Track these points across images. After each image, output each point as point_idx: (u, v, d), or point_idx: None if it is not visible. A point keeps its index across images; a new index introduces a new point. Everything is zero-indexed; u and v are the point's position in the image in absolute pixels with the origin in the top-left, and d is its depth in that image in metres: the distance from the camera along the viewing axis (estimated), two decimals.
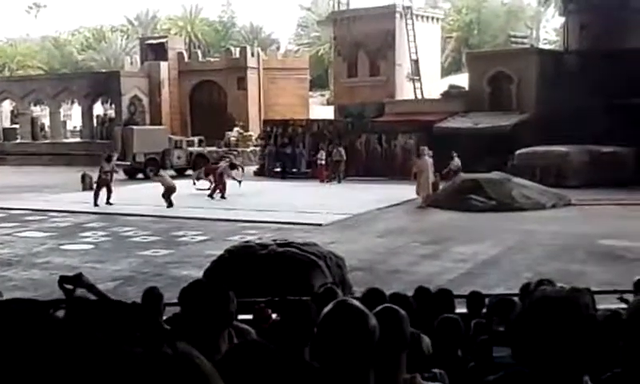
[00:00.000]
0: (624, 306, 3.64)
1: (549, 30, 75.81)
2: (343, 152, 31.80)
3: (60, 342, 1.00)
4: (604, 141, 27.23)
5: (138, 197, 26.12)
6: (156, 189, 24.21)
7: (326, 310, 2.36)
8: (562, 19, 42.21)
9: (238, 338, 3.29)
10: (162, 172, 25.59)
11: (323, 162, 32.08)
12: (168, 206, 22.66)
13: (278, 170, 34.84)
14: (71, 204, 24.12)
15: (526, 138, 28.96)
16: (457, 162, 26.80)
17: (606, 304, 5.18)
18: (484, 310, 5.75)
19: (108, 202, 23.87)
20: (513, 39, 50.32)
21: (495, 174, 23.33)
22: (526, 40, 51.20)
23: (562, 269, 12.67)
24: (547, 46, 58.88)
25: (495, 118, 31.80)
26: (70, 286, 2.97)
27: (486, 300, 5.93)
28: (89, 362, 0.97)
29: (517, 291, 5.59)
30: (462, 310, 5.90)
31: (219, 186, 24.94)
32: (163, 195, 23.10)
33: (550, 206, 21.84)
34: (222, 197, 24.78)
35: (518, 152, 28.05)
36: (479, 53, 43.46)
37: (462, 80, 40.07)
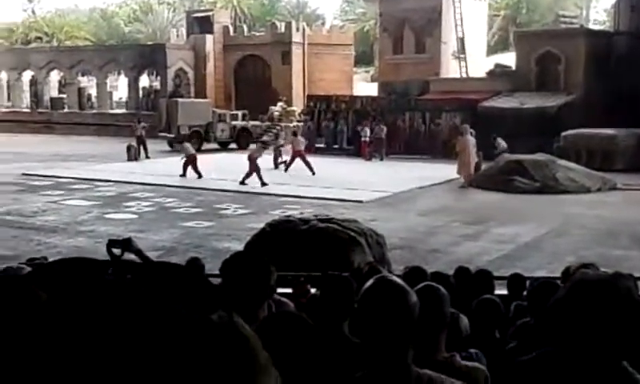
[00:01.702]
0: None
1: (599, 10, 74.27)
2: (385, 129, 31.66)
3: (125, 304, 1.04)
4: None
5: (181, 169, 26.35)
6: (200, 161, 24.42)
7: (366, 285, 2.37)
8: (613, 0, 41.29)
9: (277, 310, 3.34)
10: (185, 144, 26.22)
11: (367, 139, 31.98)
12: (198, 177, 23.38)
13: (321, 145, 34.83)
14: (116, 174, 24.47)
15: (572, 119, 28.54)
16: (503, 144, 26.42)
17: None
18: (525, 293, 5.72)
19: (147, 157, 28.39)
20: (562, 19, 49.34)
21: (540, 156, 23.05)
22: (575, 20, 50.17)
23: (605, 254, 12.51)
24: (597, 27, 57.67)
25: (542, 99, 31.35)
26: (118, 251, 3.02)
27: (527, 282, 5.89)
28: (148, 325, 1.00)
29: (559, 275, 5.54)
30: (501, 291, 5.88)
31: (254, 172, 24.12)
32: (184, 164, 23.89)
33: (596, 189, 21.53)
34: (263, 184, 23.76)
35: (564, 134, 27.65)
36: (527, 31, 42.72)
37: (509, 59, 39.50)
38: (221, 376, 1.01)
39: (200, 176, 23.60)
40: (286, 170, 25.28)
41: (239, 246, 10.57)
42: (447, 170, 24.02)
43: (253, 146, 26.31)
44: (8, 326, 1.11)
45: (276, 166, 26.66)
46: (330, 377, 2.36)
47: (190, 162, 23.93)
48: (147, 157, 30.26)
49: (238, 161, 28.40)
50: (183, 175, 23.79)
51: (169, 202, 18.78)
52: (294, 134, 27.31)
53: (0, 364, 1.04)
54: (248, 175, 21.93)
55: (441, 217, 17.04)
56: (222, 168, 26.77)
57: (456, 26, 41.28)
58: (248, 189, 21.09)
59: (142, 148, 31.09)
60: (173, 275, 1.22)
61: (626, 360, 2.05)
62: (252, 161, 22.38)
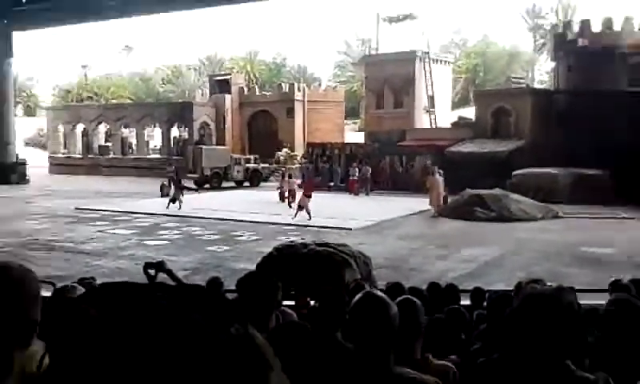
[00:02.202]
0: (601, 302, 3.60)
1: (542, 72, 74.90)
2: (370, 170, 31.70)
3: (166, 324, 1.03)
4: (586, 164, 26.85)
5: (205, 203, 26.36)
6: (219, 197, 24.40)
7: (355, 299, 2.37)
8: (553, 64, 41.68)
9: (283, 319, 3.32)
10: (183, 181, 26.14)
11: (355, 178, 31.99)
12: (176, 206, 23.37)
13: (318, 184, 34.88)
14: (152, 207, 24.44)
15: (522, 161, 28.67)
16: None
17: (585, 301, 5.09)
18: (485, 303, 5.69)
19: (183, 193, 24.98)
20: (512, 79, 49.80)
21: (496, 191, 23.07)
22: (523, 80, 50.61)
23: (551, 270, 12.48)
24: (541, 86, 58.15)
25: (496, 144, 31.47)
26: (152, 272, 3.02)
27: (487, 294, 5.87)
28: (184, 340, 0.99)
29: (513, 288, 5.52)
30: (466, 302, 5.85)
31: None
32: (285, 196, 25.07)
33: (541, 217, 21.52)
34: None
35: (515, 173, 27.71)
36: (484, 91, 42.99)
37: (470, 112, 39.77)
38: (240, 382, 1.01)
39: (175, 203, 23.44)
40: (291, 206, 25.21)
41: (252, 266, 10.53)
42: (421, 203, 24.05)
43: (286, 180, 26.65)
44: (64, 340, 1.11)
45: (282, 199, 26.64)
46: (328, 377, 2.34)
47: (291, 195, 24.76)
48: (183, 193, 24.86)
49: (251, 196, 28.48)
50: (175, 205, 23.40)
51: (194, 231, 18.75)
52: (289, 176, 27.40)
53: (57, 373, 1.04)
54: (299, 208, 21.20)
55: (417, 241, 17.02)
56: (238, 202, 26.79)
57: (427, 86, 41.66)
58: (257, 218, 21.04)
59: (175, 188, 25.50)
60: (198, 294, 1.22)
61: (569, 359, 2.05)
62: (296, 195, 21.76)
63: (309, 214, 20.80)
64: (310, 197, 21.51)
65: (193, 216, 21.85)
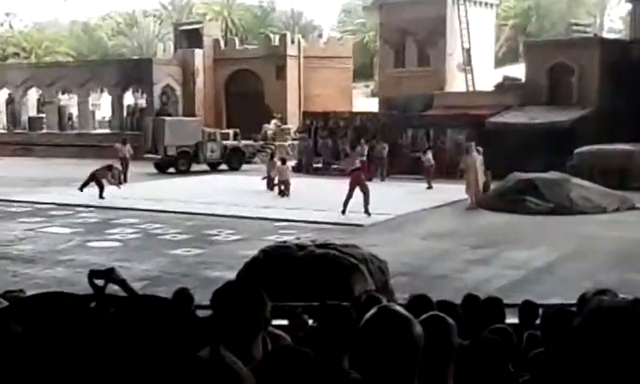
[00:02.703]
0: None
1: (614, 18, 74.71)
2: (386, 148, 31.71)
3: (107, 341, 1.03)
4: None
5: (169, 192, 26.38)
6: (187, 183, 24.45)
7: (367, 315, 2.37)
8: (629, 6, 41.57)
9: (273, 344, 3.32)
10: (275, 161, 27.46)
11: (363, 159, 31.94)
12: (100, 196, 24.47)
13: (318, 165, 34.87)
14: (99, 199, 24.44)
15: (586, 135, 28.63)
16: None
17: None
18: (538, 321, 5.70)
19: (125, 181, 28.04)
20: (574, 27, 49.66)
21: (552, 174, 23.08)
22: (588, 29, 50.50)
23: (623, 278, 12.49)
24: (612, 36, 58.02)
25: (553, 113, 31.45)
26: (100, 282, 3.01)
27: (540, 310, 5.87)
28: (132, 364, 0.99)
29: (574, 301, 5.53)
30: (513, 320, 5.86)
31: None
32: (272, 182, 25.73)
33: (612, 209, 21.54)
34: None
35: (577, 150, 27.71)
36: (537, 42, 42.96)
37: (518, 71, 39.70)
38: None
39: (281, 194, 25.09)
40: (284, 195, 25.23)
41: (231, 275, 10.54)
42: (453, 191, 24.01)
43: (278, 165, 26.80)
44: None
45: (270, 187, 26.67)
46: None
47: (283, 182, 25.37)
48: (124, 181, 29.21)
49: (229, 183, 28.49)
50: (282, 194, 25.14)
51: (155, 229, 18.76)
52: (282, 160, 27.12)
53: None
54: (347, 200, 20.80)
55: (447, 241, 17.03)
56: (212, 190, 26.79)
57: (461, 36, 41.54)
58: (239, 212, 21.07)
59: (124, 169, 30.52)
60: (159, 309, 1.21)
61: None
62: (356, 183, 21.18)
63: (366, 208, 20.11)
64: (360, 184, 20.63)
65: (152, 210, 21.86)
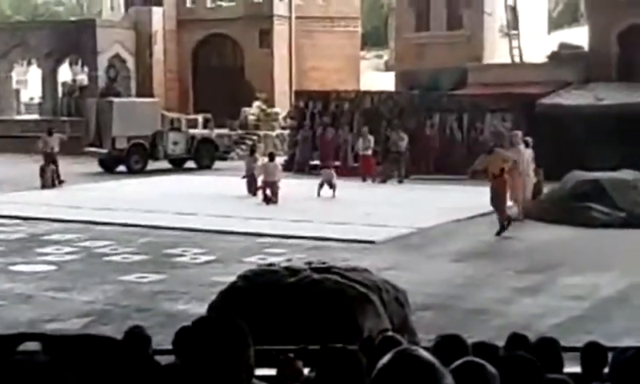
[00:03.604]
0: None
1: None
2: (405, 139, 31.73)
3: None
4: None
5: (118, 198, 26.35)
6: (142, 186, 24.41)
7: (382, 362, 2.40)
8: None
9: None
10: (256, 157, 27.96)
11: (368, 152, 31.94)
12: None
13: (316, 162, 34.87)
14: (26, 207, 24.41)
15: None
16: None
17: None
18: (606, 370, 5.73)
19: (59, 181, 28.76)
20: None
21: (625, 174, 23.07)
22: None
23: None
24: None
25: (626, 92, 31.46)
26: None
27: (610, 354, 5.91)
28: None
29: None
30: (574, 368, 5.89)
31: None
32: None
33: None
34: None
35: None
36: None
37: (580, 37, 39.69)
38: None
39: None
40: (270, 202, 25.28)
41: (201, 309, 10.55)
42: None
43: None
44: None
45: (252, 191, 26.68)
46: None
47: (269, 186, 25.48)
48: (60, 182, 29.67)
49: (198, 186, 28.43)
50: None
51: (100, 247, 18.72)
52: (270, 156, 27.12)
53: None
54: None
55: (485, 263, 17.03)
56: (176, 196, 26.76)
57: None
58: (211, 225, 21.08)
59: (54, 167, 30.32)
60: (106, 353, 1.25)
61: None
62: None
63: None
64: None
65: (96, 221, 21.84)
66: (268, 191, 25.57)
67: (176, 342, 3.32)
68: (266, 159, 26.76)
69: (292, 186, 27.33)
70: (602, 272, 15.92)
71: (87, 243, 19.16)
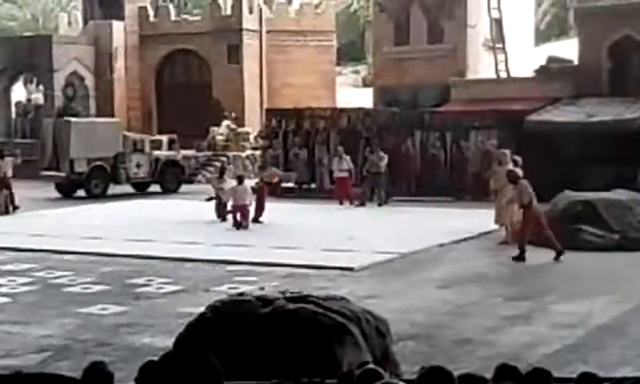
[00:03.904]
0: None
1: None
2: (385, 159, 31.74)
3: None
4: None
5: (77, 225, 26.24)
6: (103, 212, 24.33)
7: None
8: None
9: None
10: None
11: (345, 174, 31.96)
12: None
13: (290, 184, 34.87)
14: None
15: None
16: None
17: None
18: None
19: (14, 207, 28.95)
20: None
21: (619, 194, 23.17)
22: None
23: None
24: None
25: (619, 108, 31.68)
26: None
27: None
28: None
29: None
30: None
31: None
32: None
33: None
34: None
35: None
36: (594, 8, 43.23)
37: (569, 50, 39.95)
38: None
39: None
40: (240, 227, 25.25)
41: (167, 343, 10.48)
42: (481, 218, 24.06)
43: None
44: None
45: (221, 216, 26.66)
46: None
47: (240, 210, 25.63)
48: (14, 208, 29.59)
49: (164, 212, 28.36)
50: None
51: (58, 277, 18.59)
52: (239, 179, 27.03)
53: None
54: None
55: (472, 289, 17.02)
56: (139, 222, 26.69)
57: (489, 1, 41.75)
58: (177, 253, 21.01)
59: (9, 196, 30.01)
60: None
61: None
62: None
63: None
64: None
65: (54, 250, 21.73)
66: (238, 216, 25.53)
67: (140, 378, 3.26)
68: (235, 182, 26.68)
69: (265, 210, 27.31)
70: (595, 298, 15.95)
71: (44, 273, 19.03)
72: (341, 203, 31.19)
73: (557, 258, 19.86)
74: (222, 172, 29.84)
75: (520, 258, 19.96)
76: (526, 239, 20.35)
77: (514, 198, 21.55)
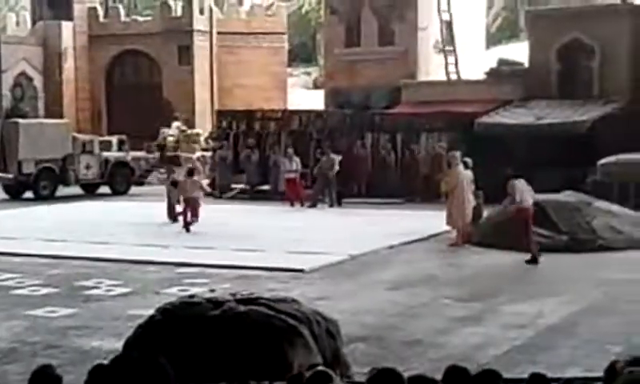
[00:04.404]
0: None
1: None
2: (336, 160, 31.75)
3: None
4: None
5: (25, 227, 26.03)
6: (52, 214, 24.14)
7: None
8: None
9: None
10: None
11: (294, 175, 31.94)
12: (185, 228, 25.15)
13: (240, 186, 34.79)
14: None
15: (614, 140, 29.06)
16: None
17: None
18: None
19: None
20: None
21: (568, 195, 23.35)
22: None
23: None
24: None
25: (568, 111, 31.92)
26: None
27: None
28: None
29: (600, 374, 5.60)
30: None
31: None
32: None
33: None
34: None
35: (602, 162, 28.12)
36: (544, 11, 43.58)
37: (519, 52, 40.19)
38: None
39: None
40: (190, 228, 25.14)
41: (117, 345, 10.42)
42: (431, 220, 24.16)
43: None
44: None
45: (172, 218, 26.57)
46: None
47: (192, 207, 25.33)
48: None
49: (113, 213, 28.20)
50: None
51: (6, 279, 18.44)
52: (189, 172, 26.88)
53: None
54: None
55: (422, 291, 17.05)
56: (88, 223, 26.52)
57: (439, 4, 41.90)
58: (126, 254, 20.89)
59: None
60: None
61: None
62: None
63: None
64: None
65: (1, 252, 21.54)
66: (189, 215, 25.39)
67: (90, 381, 3.24)
68: (183, 175, 26.68)
69: (214, 212, 27.23)
70: (545, 298, 16.04)
71: None
72: (292, 205, 31.20)
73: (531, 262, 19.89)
74: (169, 170, 29.64)
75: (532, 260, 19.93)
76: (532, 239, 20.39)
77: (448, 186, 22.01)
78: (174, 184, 26.75)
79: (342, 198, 31.41)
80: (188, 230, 24.90)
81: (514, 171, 23.36)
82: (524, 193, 20.52)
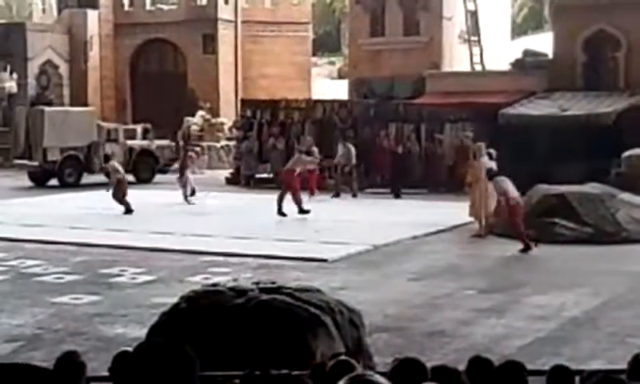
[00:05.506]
0: None
1: None
2: (353, 150, 31.58)
3: None
4: None
5: (49, 215, 26.11)
6: (76, 201, 24.21)
7: None
8: None
9: None
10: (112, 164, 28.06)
11: (313, 166, 31.86)
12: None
13: (264, 175, 34.80)
14: None
15: (638, 132, 28.92)
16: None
17: None
18: None
19: None
20: None
21: (592, 187, 23.25)
22: None
23: None
24: None
25: (593, 103, 31.77)
26: None
27: (577, 379, 5.92)
28: None
29: (624, 367, 5.58)
30: None
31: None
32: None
33: None
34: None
35: (627, 153, 27.99)
36: (570, 2, 43.31)
37: (544, 43, 40.01)
38: None
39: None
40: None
41: (141, 333, 10.46)
42: (454, 211, 24.10)
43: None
44: None
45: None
46: None
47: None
48: None
49: (137, 200, 28.22)
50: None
51: (31, 267, 18.50)
52: (106, 159, 27.48)
53: None
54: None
55: (446, 282, 17.04)
56: (112, 211, 26.58)
57: None
58: (150, 243, 20.95)
59: None
60: (36, 382, 1.20)
61: None
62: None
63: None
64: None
65: (26, 239, 21.62)
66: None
67: (114, 368, 3.24)
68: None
69: (238, 200, 27.26)
70: (568, 291, 16.00)
71: (16, 262, 18.93)
72: (312, 194, 31.08)
73: (524, 251, 19.93)
74: (186, 158, 29.94)
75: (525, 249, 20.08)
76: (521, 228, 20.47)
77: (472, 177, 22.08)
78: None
79: (399, 190, 31.15)
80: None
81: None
82: (509, 188, 20.56)
